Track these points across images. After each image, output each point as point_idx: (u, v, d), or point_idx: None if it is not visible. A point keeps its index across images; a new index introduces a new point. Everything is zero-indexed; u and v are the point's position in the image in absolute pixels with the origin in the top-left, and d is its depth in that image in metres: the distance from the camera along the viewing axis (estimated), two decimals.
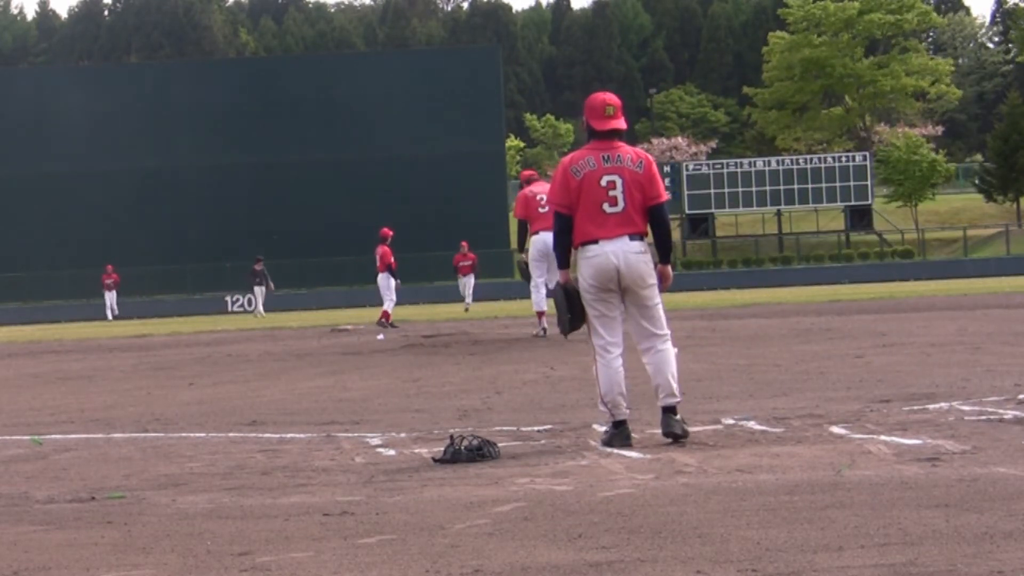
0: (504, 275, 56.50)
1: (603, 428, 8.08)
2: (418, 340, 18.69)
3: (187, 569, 4.83)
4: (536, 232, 17.61)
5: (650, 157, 8.11)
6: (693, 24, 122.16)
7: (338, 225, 61.86)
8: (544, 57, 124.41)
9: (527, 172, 19.18)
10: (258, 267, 45.14)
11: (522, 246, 17.86)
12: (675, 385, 7.84)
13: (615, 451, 7.51)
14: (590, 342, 7.96)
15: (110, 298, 50.33)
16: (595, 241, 7.83)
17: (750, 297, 35.77)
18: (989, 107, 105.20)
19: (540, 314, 18.13)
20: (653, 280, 7.92)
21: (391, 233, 28.81)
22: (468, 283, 38.68)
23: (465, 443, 7.37)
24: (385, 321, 26.29)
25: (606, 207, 7.81)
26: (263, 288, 45.03)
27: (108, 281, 50.43)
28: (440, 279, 53.17)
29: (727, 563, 4.51)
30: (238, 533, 5.47)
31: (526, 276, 17.98)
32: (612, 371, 7.82)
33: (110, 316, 49.48)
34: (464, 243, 39.88)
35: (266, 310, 45.11)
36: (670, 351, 7.94)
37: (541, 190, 17.64)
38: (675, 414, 7.81)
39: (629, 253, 7.81)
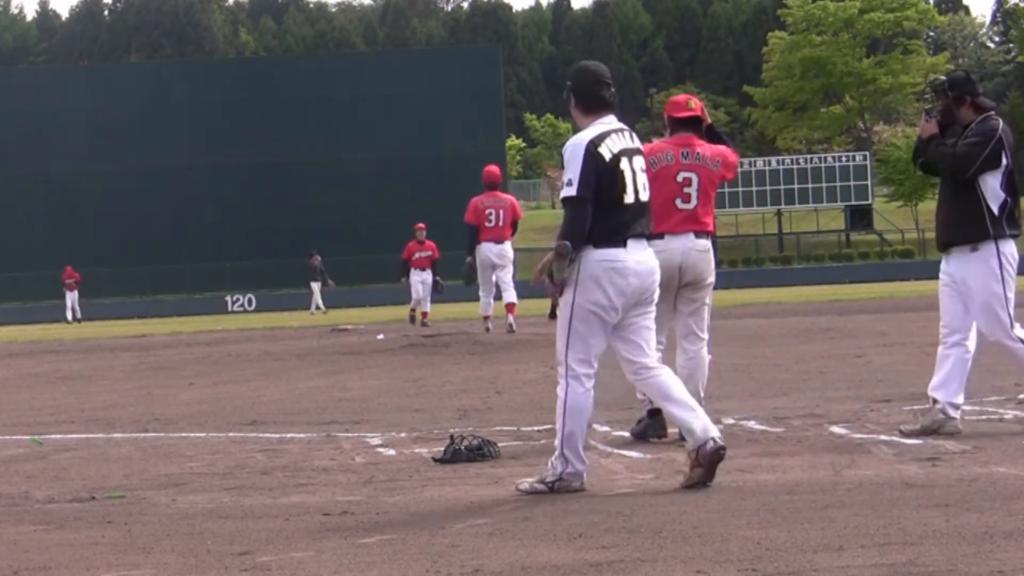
0: None
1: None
2: (418, 340, 18.68)
3: (187, 569, 4.83)
4: (480, 242, 18.42)
5: (730, 153, 8.06)
6: (693, 24, 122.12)
7: (338, 225, 61.84)
8: (544, 57, 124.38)
9: (492, 171, 19.36)
10: (314, 262, 44.08)
11: (471, 250, 18.55)
12: (702, 394, 7.86)
13: (615, 451, 7.52)
14: None
15: (71, 299, 48.76)
16: (661, 236, 7.72)
17: (750, 297, 35.76)
18: None
19: (486, 318, 19.04)
20: (712, 280, 7.92)
21: (417, 227, 28.06)
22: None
23: (465, 443, 7.37)
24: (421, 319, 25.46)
25: (678, 202, 7.81)
26: (320, 283, 43.87)
27: (69, 281, 48.83)
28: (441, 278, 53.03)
29: (727, 563, 4.50)
30: (238, 533, 5.47)
31: (469, 279, 18.73)
32: None
33: (70, 317, 47.84)
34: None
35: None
36: (705, 358, 7.94)
37: (492, 204, 18.46)
38: None
39: (693, 250, 7.81)
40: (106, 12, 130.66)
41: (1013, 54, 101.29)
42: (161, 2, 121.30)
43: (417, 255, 27.30)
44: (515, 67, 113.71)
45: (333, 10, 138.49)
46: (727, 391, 10.36)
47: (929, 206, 74.72)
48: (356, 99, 64.70)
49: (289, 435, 8.95)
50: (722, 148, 8.04)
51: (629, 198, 6.22)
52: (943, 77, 7.86)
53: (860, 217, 65.02)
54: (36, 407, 12.01)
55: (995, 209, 7.53)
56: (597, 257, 6.13)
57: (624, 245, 6.17)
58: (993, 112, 7.66)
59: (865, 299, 30.18)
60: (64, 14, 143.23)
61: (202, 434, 9.26)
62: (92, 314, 51.20)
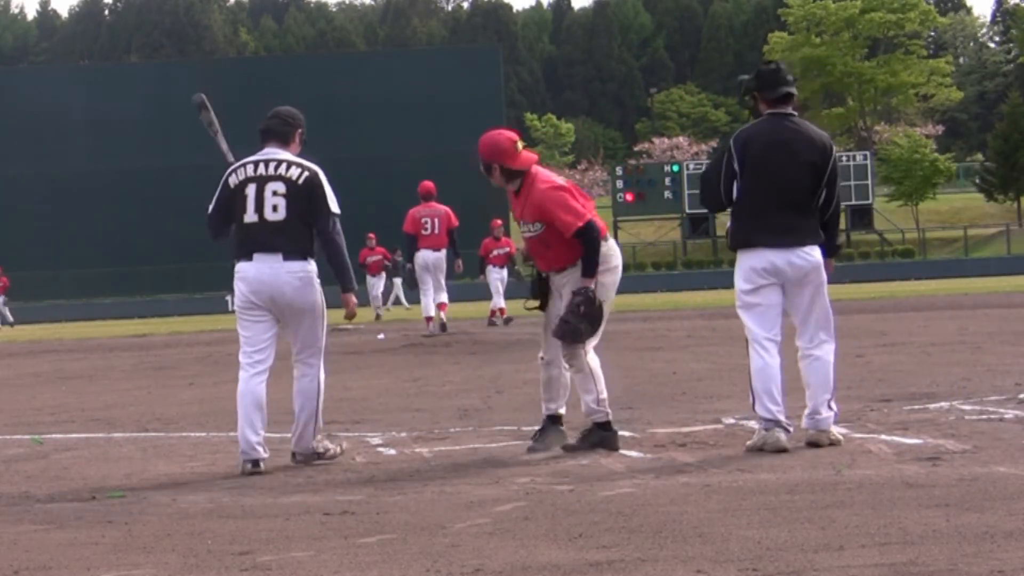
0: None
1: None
2: (418, 340, 18.69)
3: (188, 568, 4.82)
4: (419, 249, 19.75)
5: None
6: (693, 24, 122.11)
7: None
8: (545, 56, 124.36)
9: (427, 185, 20.61)
10: (397, 257, 42.29)
11: (410, 257, 19.96)
12: None
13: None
14: (583, 351, 7.62)
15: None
16: (607, 239, 7.70)
17: None
18: (990, 106, 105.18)
19: (428, 319, 20.05)
20: None
21: (494, 223, 27.82)
22: (377, 284, 33.95)
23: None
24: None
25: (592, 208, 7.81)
26: (401, 279, 41.81)
27: None
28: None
29: (728, 562, 4.50)
30: (239, 532, 5.47)
31: (411, 283, 20.30)
32: (601, 372, 7.71)
33: (1, 323, 45.12)
34: (371, 235, 35.15)
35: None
36: None
37: (428, 213, 19.89)
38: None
39: None
40: (106, 12, 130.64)
41: (1013, 54, 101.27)
42: (161, 2, 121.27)
43: (495, 252, 26.51)
44: (515, 67, 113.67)
45: (333, 10, 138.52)
46: (727, 391, 10.36)
47: (930, 206, 74.79)
48: (356, 99, 64.69)
49: (289, 434, 8.94)
50: None
51: (249, 218, 7.41)
52: (747, 77, 7.66)
53: (860, 217, 64.98)
54: (36, 407, 12.01)
55: (731, 223, 7.42)
56: (235, 270, 7.62)
57: (250, 258, 7.49)
58: (774, 111, 7.37)
59: (865, 299, 30.17)
60: (64, 14, 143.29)
61: (203, 433, 9.27)
62: (93, 314, 51.22)
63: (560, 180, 7.77)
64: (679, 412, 9.07)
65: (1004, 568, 4.26)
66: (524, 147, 7.90)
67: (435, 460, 7.46)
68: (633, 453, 7.37)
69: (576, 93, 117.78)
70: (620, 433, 7.88)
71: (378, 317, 30.38)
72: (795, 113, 7.51)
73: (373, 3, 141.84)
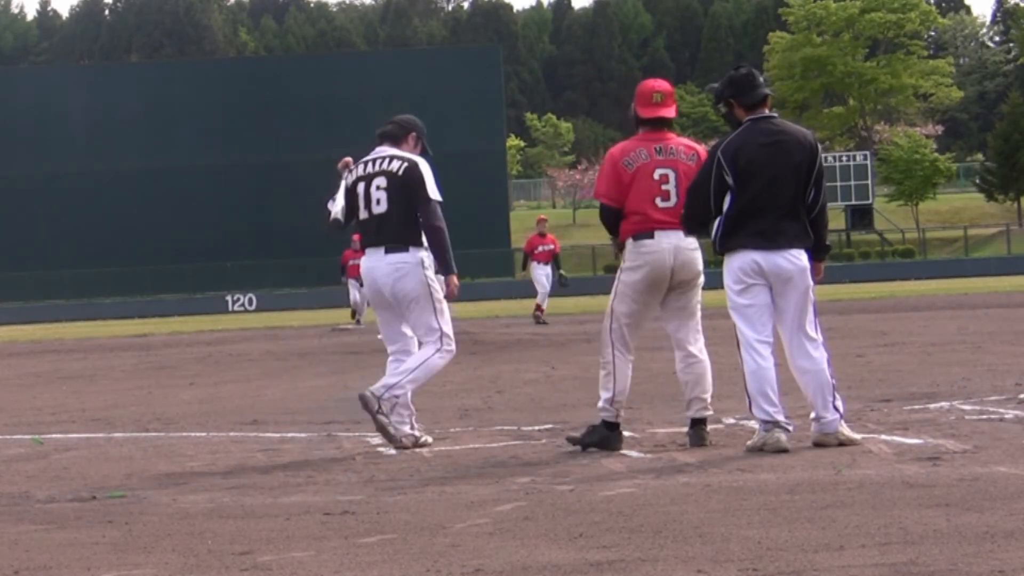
0: (505, 275, 56.52)
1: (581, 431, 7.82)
2: None
3: (188, 568, 4.82)
4: None
5: (702, 149, 7.72)
6: (694, 23, 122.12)
7: None
8: (545, 56, 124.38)
9: None
10: None
11: None
12: (709, 398, 7.67)
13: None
14: (610, 346, 7.59)
15: None
16: (651, 235, 7.49)
17: None
18: (990, 106, 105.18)
19: None
20: (702, 278, 7.71)
21: (539, 219, 27.49)
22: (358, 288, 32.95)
23: None
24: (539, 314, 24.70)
25: (659, 201, 7.51)
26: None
27: None
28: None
29: (728, 562, 4.50)
30: (239, 532, 5.47)
31: None
32: (626, 376, 7.63)
33: None
34: (356, 236, 34.35)
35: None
36: (707, 361, 7.70)
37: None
38: (705, 426, 7.65)
39: (684, 249, 7.56)
40: (106, 12, 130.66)
41: (1013, 54, 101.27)
42: (161, 2, 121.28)
43: (540, 248, 26.01)
44: (516, 67, 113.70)
45: (334, 10, 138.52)
46: (728, 391, 10.35)
47: (930, 205, 74.84)
48: (357, 99, 64.70)
49: (290, 434, 8.95)
50: (692, 142, 7.90)
51: (362, 215, 8.14)
52: (715, 86, 7.52)
53: (861, 217, 65.01)
54: (37, 407, 12.01)
55: (719, 228, 7.33)
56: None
57: (364, 254, 8.17)
58: (755, 116, 7.27)
59: (865, 299, 30.18)
60: (64, 14, 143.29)
61: (203, 433, 9.27)
62: (93, 314, 51.23)
63: (620, 150, 7.64)
64: (679, 412, 9.05)
65: (1004, 568, 4.26)
66: (663, 101, 7.65)
67: (435, 460, 7.46)
68: (633, 453, 7.37)
69: (576, 93, 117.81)
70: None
71: (358, 322, 29.64)
72: (776, 114, 7.48)
73: (373, 3, 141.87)
